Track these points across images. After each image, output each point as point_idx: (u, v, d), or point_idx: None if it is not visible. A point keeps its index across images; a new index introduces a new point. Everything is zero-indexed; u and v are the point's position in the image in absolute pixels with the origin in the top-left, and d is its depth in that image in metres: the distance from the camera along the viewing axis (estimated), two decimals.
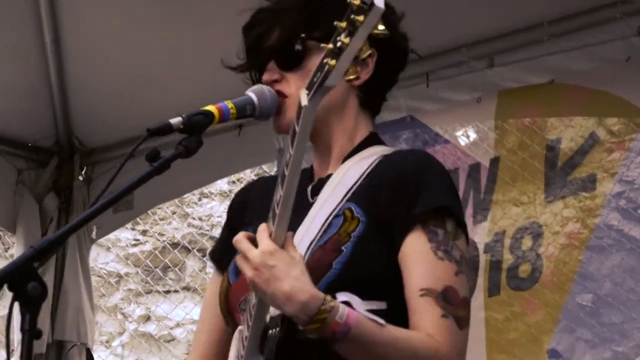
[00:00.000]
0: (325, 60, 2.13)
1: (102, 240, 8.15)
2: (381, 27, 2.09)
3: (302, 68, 2.41)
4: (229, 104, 2.34)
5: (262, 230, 2.25)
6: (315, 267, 2.32)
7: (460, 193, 4.13)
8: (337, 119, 2.51)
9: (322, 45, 2.16)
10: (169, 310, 8.89)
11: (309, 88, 2.18)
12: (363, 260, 2.34)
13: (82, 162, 5.29)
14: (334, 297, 2.27)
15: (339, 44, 2.10)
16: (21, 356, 2.06)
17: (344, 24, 2.08)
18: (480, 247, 4.17)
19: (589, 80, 3.95)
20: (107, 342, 8.88)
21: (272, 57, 2.43)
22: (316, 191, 2.48)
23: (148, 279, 8.92)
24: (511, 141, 4.14)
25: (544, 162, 4.08)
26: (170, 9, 4.22)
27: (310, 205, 2.46)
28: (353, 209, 2.39)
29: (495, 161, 4.18)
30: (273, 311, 2.37)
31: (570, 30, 3.89)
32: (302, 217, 2.43)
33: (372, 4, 2.04)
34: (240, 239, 2.25)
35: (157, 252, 8.83)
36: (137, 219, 7.59)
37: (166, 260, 8.86)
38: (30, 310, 2.06)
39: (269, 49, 2.46)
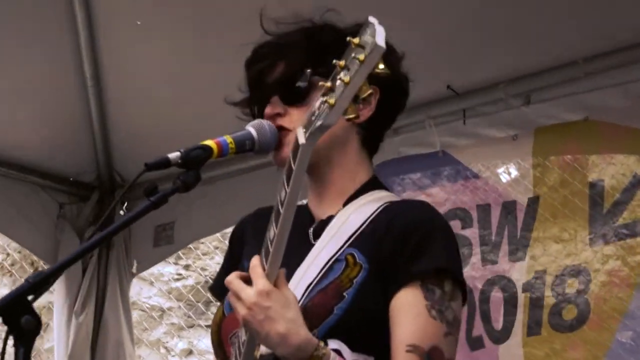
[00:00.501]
0: (324, 99, 2.10)
1: (145, 275, 8.16)
2: (382, 66, 2.07)
3: (305, 104, 2.38)
4: (228, 139, 2.33)
5: (256, 267, 2.24)
6: (315, 310, 2.32)
7: (493, 228, 4.15)
8: (338, 157, 2.49)
9: (320, 83, 2.14)
10: (210, 344, 8.82)
11: (306, 127, 2.16)
12: (364, 307, 2.33)
13: (123, 196, 5.20)
14: (326, 344, 2.26)
15: (338, 82, 2.08)
16: None
17: (343, 63, 2.07)
18: (519, 284, 4.15)
19: (624, 118, 3.93)
20: None
21: (276, 91, 2.42)
22: (318, 233, 2.47)
23: (190, 313, 8.89)
24: (552, 179, 4.11)
25: (587, 201, 4.03)
26: (210, 40, 4.23)
27: (311, 246, 2.44)
28: (355, 255, 2.38)
29: (535, 199, 4.14)
30: (264, 349, 2.35)
31: (605, 68, 3.87)
32: (302, 258, 2.41)
33: (374, 43, 2.03)
34: (232, 280, 2.25)
35: (199, 286, 8.80)
36: (180, 253, 7.61)
37: (208, 295, 8.75)
38: (24, 343, 2.06)
39: (273, 83, 2.45)
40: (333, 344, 2.29)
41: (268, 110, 2.43)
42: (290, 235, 2.36)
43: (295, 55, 2.44)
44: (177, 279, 9.15)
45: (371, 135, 2.54)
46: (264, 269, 2.25)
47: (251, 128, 2.37)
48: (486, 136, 4.22)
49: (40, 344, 8.23)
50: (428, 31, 4.04)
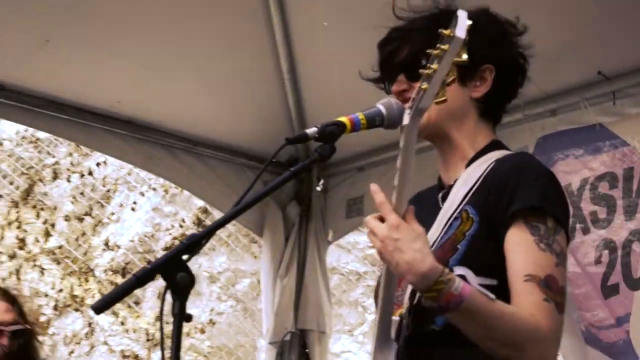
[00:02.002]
0: (421, 85, 2.21)
1: (342, 243, 8.40)
2: (465, 56, 2.18)
3: None
4: (360, 116, 2.39)
5: (384, 203, 2.28)
6: (438, 261, 2.32)
7: (634, 188, 4.14)
8: (457, 128, 2.54)
9: (419, 70, 2.23)
10: None
11: (410, 109, 2.27)
12: (475, 255, 2.38)
13: (319, 174, 5.44)
14: (452, 270, 2.31)
15: (429, 70, 2.19)
16: (172, 336, 2.15)
17: (435, 52, 2.18)
18: None
19: None
20: (349, 331, 9.00)
21: (402, 70, 2.49)
22: (445, 197, 2.54)
23: None
24: None
25: None
26: None
27: (439, 210, 2.52)
28: (469, 210, 2.43)
29: None
30: (405, 303, 2.44)
31: None
32: (433, 222, 2.49)
33: (454, 34, 2.13)
34: (369, 219, 2.31)
35: None
36: None
37: None
38: (179, 297, 2.17)
39: (399, 63, 2.52)
40: (459, 270, 2.36)
41: (395, 87, 2.50)
42: (424, 203, 2.54)
43: (418, 39, 2.48)
44: (371, 247, 9.15)
45: (489, 108, 2.58)
46: (392, 205, 2.28)
47: (381, 105, 2.42)
48: (635, 114, 4.20)
49: (254, 304, 8.55)
50: (575, 22, 4.06)
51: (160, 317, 2.20)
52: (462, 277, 2.31)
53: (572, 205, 4.28)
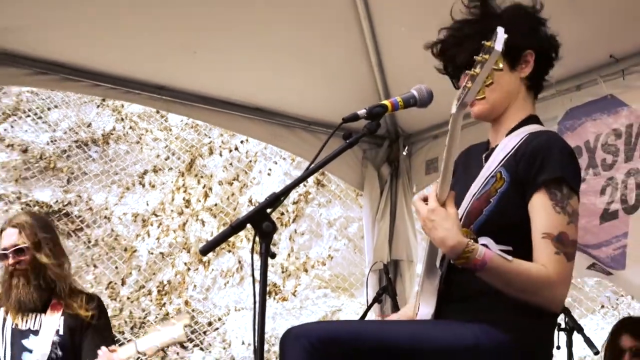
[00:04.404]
0: (466, 84, 2.20)
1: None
2: (501, 65, 2.18)
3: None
4: (398, 99, 2.38)
5: (432, 191, 2.31)
6: (472, 212, 2.38)
7: (633, 137, 4.09)
8: (511, 103, 2.49)
9: (465, 71, 2.22)
10: None
11: (457, 100, 2.24)
12: (503, 208, 2.36)
13: (404, 142, 5.44)
14: (476, 240, 2.30)
15: (474, 73, 2.18)
16: (260, 269, 2.17)
17: (479, 58, 2.17)
18: None
19: None
20: None
21: (465, 68, 2.39)
22: (487, 158, 2.49)
23: None
24: None
25: None
26: None
27: (482, 167, 2.47)
28: (502, 172, 2.39)
29: None
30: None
31: None
32: (477, 176, 2.46)
33: (493, 47, 2.14)
34: (415, 200, 2.34)
35: None
36: None
37: None
38: (265, 240, 2.15)
39: (458, 66, 2.48)
40: (482, 240, 2.33)
41: (461, 81, 2.41)
42: (473, 155, 2.55)
43: (469, 47, 2.40)
44: None
45: (533, 83, 2.52)
46: (436, 193, 2.30)
47: (414, 91, 2.40)
48: (638, 86, 4.15)
49: (361, 242, 8.07)
50: (592, 18, 3.99)
51: (251, 254, 2.18)
52: (485, 245, 2.30)
53: (589, 155, 4.28)
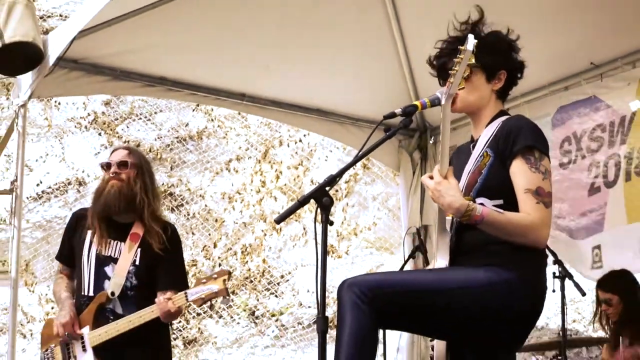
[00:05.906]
0: (450, 80, 2.22)
1: None
2: (472, 60, 2.16)
3: (470, 81, 2.39)
4: (426, 100, 2.34)
5: (435, 169, 2.34)
6: (470, 182, 2.39)
7: (615, 127, 4.04)
8: (483, 105, 2.46)
9: (450, 70, 2.22)
10: None
11: (445, 94, 2.26)
12: (492, 175, 2.37)
13: (431, 133, 5.34)
14: (474, 201, 2.30)
15: (453, 71, 2.20)
16: (321, 234, 2.14)
17: (457, 59, 2.18)
18: (622, 156, 4.02)
19: None
20: None
21: (449, 74, 2.31)
22: (474, 146, 2.49)
23: None
24: None
25: None
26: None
27: (471, 153, 2.48)
28: (488, 151, 2.39)
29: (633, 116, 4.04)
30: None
31: None
32: (468, 159, 2.47)
33: (465, 49, 2.14)
34: (423, 178, 2.37)
35: None
36: None
37: None
38: (324, 212, 2.14)
39: (447, 70, 2.37)
40: (480, 200, 2.34)
41: (448, 81, 2.31)
42: (463, 151, 2.54)
43: (454, 56, 2.29)
44: None
45: (501, 93, 2.50)
46: (439, 170, 2.32)
47: (438, 93, 2.36)
48: (614, 87, 4.18)
49: (399, 212, 7.82)
50: (575, 30, 3.93)
51: (314, 223, 2.17)
52: (482, 204, 2.31)
53: (577, 143, 4.26)
